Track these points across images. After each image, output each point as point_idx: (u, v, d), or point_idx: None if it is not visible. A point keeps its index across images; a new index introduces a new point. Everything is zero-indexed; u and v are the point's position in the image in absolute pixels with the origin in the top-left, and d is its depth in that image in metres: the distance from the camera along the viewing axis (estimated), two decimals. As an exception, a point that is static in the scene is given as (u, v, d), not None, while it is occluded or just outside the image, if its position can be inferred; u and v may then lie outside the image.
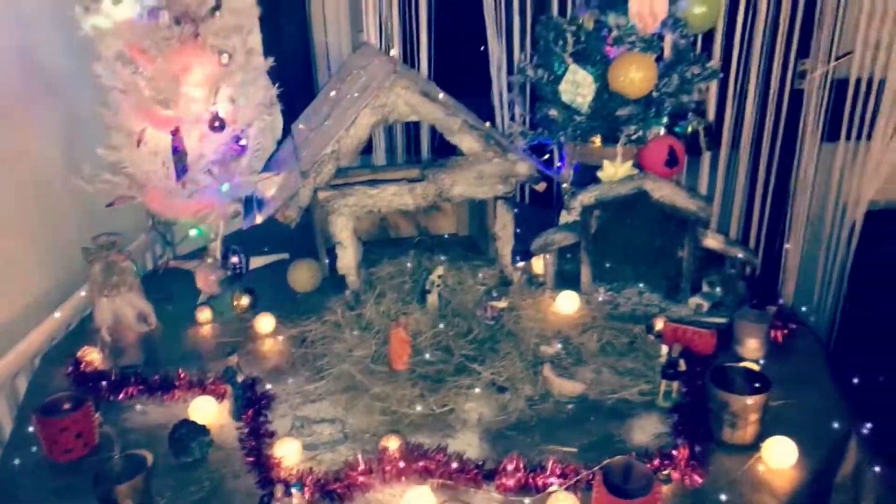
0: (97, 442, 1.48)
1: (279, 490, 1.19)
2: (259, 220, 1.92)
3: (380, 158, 2.79)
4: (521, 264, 2.11)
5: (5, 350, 1.77)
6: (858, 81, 2.68)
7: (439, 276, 1.90)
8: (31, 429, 1.47)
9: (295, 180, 1.85)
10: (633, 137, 1.95)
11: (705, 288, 1.95)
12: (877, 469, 1.52)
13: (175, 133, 1.91)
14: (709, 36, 2.59)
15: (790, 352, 1.76)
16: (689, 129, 2.02)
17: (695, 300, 1.91)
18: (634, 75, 1.89)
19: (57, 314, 1.91)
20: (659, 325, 1.81)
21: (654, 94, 1.96)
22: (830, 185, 2.87)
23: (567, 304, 1.93)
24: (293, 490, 1.19)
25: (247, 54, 2.01)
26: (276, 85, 2.12)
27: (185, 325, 1.92)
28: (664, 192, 1.85)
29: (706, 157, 2.80)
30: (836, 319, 3.08)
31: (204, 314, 1.95)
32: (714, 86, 2.64)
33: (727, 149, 2.81)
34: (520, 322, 1.86)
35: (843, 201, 2.88)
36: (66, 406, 1.48)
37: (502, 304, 1.89)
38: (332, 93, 2.09)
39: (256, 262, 2.22)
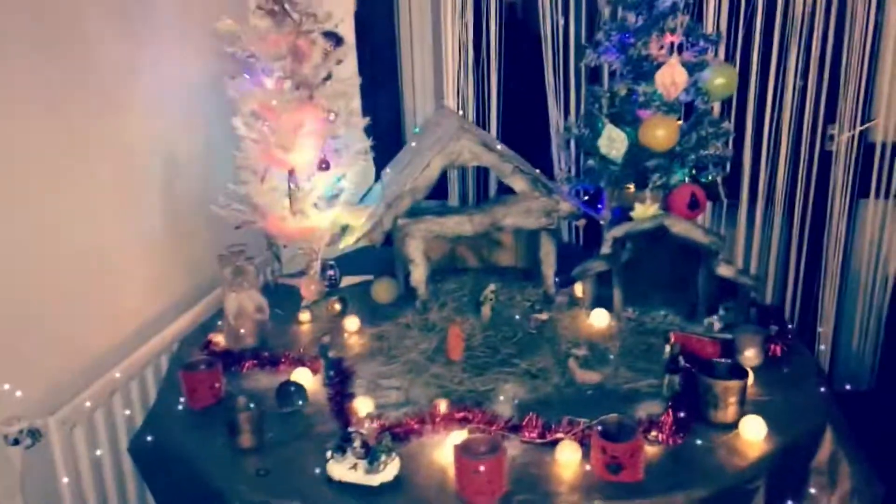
0: (223, 395, 1.96)
1: (355, 421, 1.62)
2: (352, 241, 2.41)
3: (453, 202, 3.28)
4: (564, 290, 2.51)
5: (154, 334, 2.30)
6: (884, 145, 2.97)
7: (492, 291, 2.32)
8: (175, 383, 1.97)
9: (381, 211, 2.34)
10: (658, 184, 2.34)
11: (721, 312, 2.28)
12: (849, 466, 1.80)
13: (291, 173, 2.45)
14: (743, 101, 2.97)
15: (785, 363, 2.06)
16: (709, 179, 2.39)
17: (709, 319, 2.25)
18: (659, 133, 2.30)
19: (192, 310, 2.45)
20: (673, 340, 2.15)
21: (677, 148, 2.36)
22: (864, 239, 3.14)
23: (599, 318, 2.31)
24: (366, 423, 1.62)
25: (348, 114, 2.54)
26: (371, 139, 2.65)
27: (290, 324, 2.41)
28: (680, 227, 2.23)
29: (743, 210, 3.13)
30: (875, 368, 3.28)
31: (305, 315, 2.44)
32: (748, 145, 3.00)
33: (763, 203, 3.14)
34: (557, 331, 2.25)
35: (874, 255, 3.13)
36: (202, 367, 1.97)
37: (543, 316, 2.29)
38: (413, 143, 2.60)
39: (347, 280, 2.71)
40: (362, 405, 1.84)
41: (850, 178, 3.03)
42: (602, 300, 2.41)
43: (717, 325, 2.23)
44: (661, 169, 2.35)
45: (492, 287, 2.32)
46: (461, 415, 1.75)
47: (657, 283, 2.40)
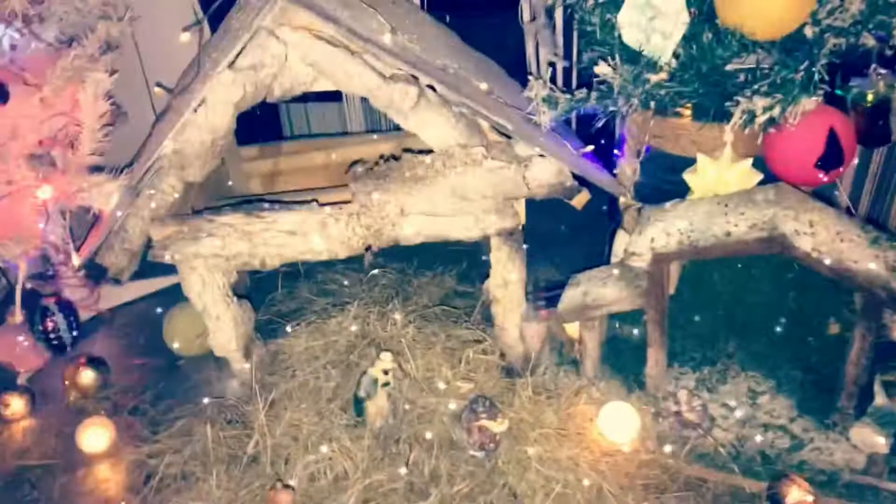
0: None
1: None
2: (76, 262, 1.10)
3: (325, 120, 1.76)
4: (543, 312, 1.24)
5: None
6: None
7: (385, 372, 1.06)
8: None
9: (118, 202, 1.00)
10: (760, 113, 1.00)
11: (880, 400, 1.04)
12: None
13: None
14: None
15: None
16: (869, 98, 1.06)
17: (862, 431, 1.02)
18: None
19: None
20: (794, 494, 0.93)
21: (808, 31, 0.99)
22: None
23: (617, 425, 1.07)
24: None
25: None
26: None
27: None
28: (822, 239, 0.93)
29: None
30: None
31: (16, 403, 1.20)
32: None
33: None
34: (529, 467, 1.01)
35: None
36: None
37: (499, 424, 1.05)
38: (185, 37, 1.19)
39: (122, 293, 1.40)
40: None
41: None
42: (618, 348, 1.17)
43: (883, 446, 1.00)
44: (765, 78, 1.00)
45: (385, 362, 1.05)
46: None
47: (734, 324, 1.18)
